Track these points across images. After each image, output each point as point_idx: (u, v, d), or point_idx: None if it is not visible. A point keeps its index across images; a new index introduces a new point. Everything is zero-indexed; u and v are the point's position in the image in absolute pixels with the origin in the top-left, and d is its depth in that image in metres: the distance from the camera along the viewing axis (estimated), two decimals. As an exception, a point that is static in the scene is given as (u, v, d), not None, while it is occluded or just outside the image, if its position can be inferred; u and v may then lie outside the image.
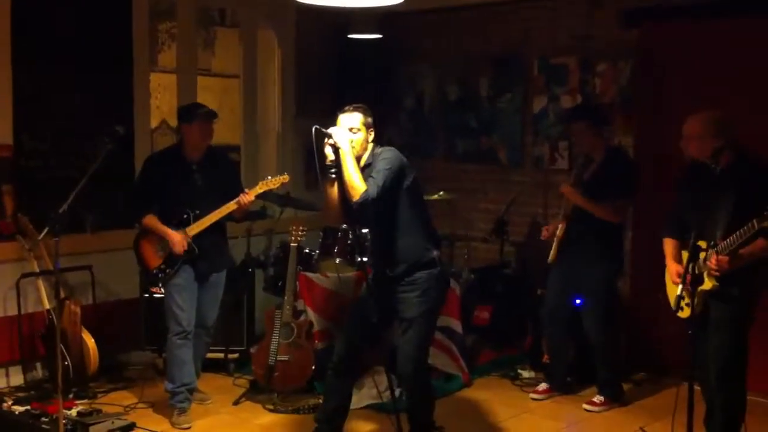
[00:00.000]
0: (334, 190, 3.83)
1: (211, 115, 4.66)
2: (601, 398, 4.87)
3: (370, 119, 3.89)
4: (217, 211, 4.57)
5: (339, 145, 3.72)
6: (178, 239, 4.52)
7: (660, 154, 5.38)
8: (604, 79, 5.78)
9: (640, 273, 5.55)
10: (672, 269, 3.97)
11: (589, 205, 4.74)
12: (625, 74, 5.65)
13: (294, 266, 4.98)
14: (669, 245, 4.05)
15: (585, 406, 4.86)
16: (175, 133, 5.87)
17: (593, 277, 4.81)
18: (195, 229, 4.57)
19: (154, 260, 4.63)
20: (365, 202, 3.71)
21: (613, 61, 5.71)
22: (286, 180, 4.69)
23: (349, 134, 3.79)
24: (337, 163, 3.74)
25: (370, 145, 3.91)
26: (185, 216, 4.58)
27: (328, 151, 3.74)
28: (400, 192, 3.85)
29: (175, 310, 4.58)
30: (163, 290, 4.69)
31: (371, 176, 3.77)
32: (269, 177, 4.68)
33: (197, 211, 4.58)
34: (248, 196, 4.56)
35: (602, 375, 4.92)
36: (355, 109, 3.89)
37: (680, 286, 3.72)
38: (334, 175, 3.78)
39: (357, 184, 3.70)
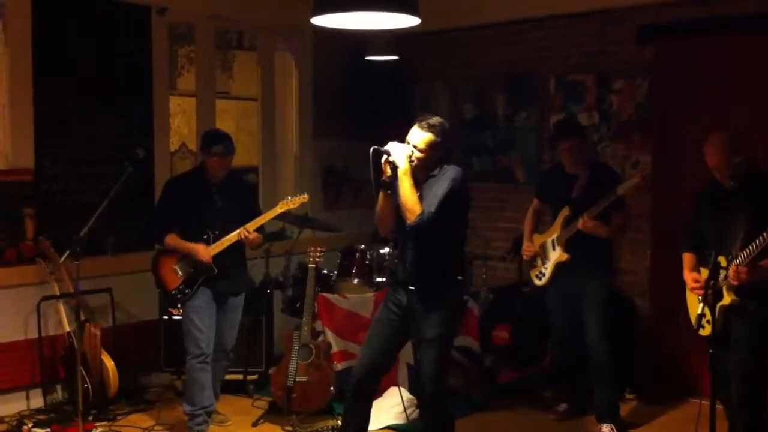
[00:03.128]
0: (389, 204, 3.85)
1: (227, 153, 4.67)
2: (611, 426, 4.72)
3: (439, 140, 3.82)
4: (235, 233, 4.58)
5: (397, 163, 3.74)
6: (202, 249, 4.55)
7: (678, 172, 5.36)
8: (622, 96, 5.78)
9: (658, 291, 5.51)
10: (689, 277, 3.97)
11: (609, 232, 4.70)
12: (643, 91, 5.65)
13: (312, 287, 4.99)
14: (687, 258, 4.05)
15: None
16: (195, 156, 5.92)
17: (593, 292, 4.74)
18: (215, 248, 4.58)
19: (173, 281, 4.65)
20: (420, 224, 3.73)
21: (630, 78, 5.70)
22: (306, 200, 4.70)
23: (407, 149, 3.79)
24: (394, 179, 3.77)
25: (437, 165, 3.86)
26: (205, 237, 4.60)
27: (387, 169, 3.76)
28: (450, 213, 3.82)
29: (194, 332, 4.58)
30: (182, 311, 4.70)
31: (431, 194, 3.76)
32: (289, 197, 4.70)
33: (217, 232, 4.60)
34: (247, 232, 4.54)
35: (603, 398, 4.77)
36: (430, 128, 3.82)
37: (701, 305, 3.70)
38: (389, 192, 3.80)
39: (413, 206, 3.73)
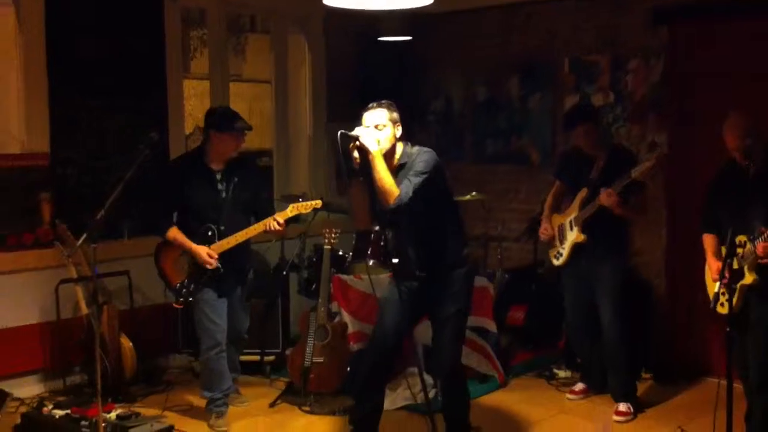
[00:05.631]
0: (362, 194, 3.77)
1: (249, 129, 4.54)
2: (627, 405, 4.72)
3: (396, 114, 3.76)
4: (243, 232, 4.46)
5: (366, 147, 3.62)
6: (206, 256, 4.40)
7: (694, 152, 5.33)
8: (636, 76, 5.74)
9: (675, 272, 5.50)
10: (713, 266, 3.95)
11: (631, 212, 4.68)
12: (657, 71, 5.61)
13: (328, 269, 5.00)
14: (709, 241, 4.03)
15: (615, 418, 4.67)
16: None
17: (608, 274, 4.73)
18: (221, 247, 4.44)
19: (177, 276, 4.53)
20: (399, 206, 3.64)
21: (645, 58, 5.67)
22: (319, 205, 4.59)
23: (375, 133, 3.68)
24: (365, 166, 3.67)
25: (400, 143, 3.81)
26: (210, 233, 4.46)
27: (356, 155, 3.64)
28: (434, 193, 3.77)
29: (207, 325, 4.53)
30: (184, 306, 4.55)
31: (408, 178, 3.69)
32: (301, 199, 4.62)
33: (222, 227, 4.46)
34: (276, 224, 4.41)
35: (619, 378, 4.78)
36: (380, 105, 3.76)
37: (718, 283, 3.69)
38: (362, 178, 3.70)
39: (390, 188, 3.62)
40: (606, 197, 4.58)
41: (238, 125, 4.49)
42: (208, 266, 4.42)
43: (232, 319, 4.67)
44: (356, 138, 3.64)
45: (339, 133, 3.61)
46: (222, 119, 4.53)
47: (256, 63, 7.35)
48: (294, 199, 4.94)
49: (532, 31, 6.29)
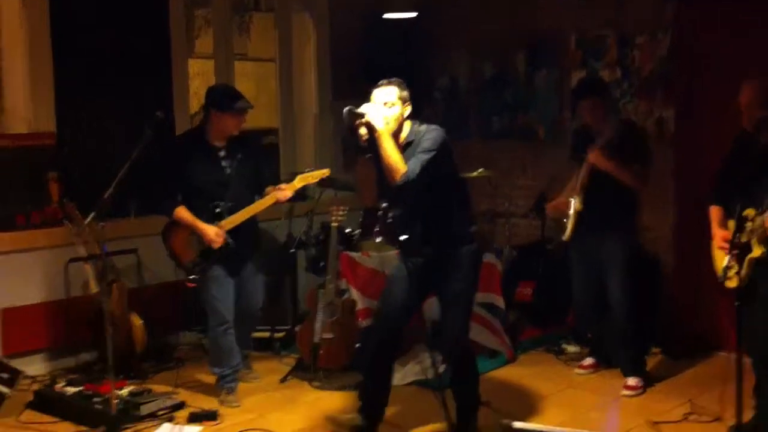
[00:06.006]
0: (369, 171, 3.75)
1: (250, 107, 4.52)
2: (637, 379, 4.73)
3: (405, 93, 3.76)
4: (252, 206, 4.46)
5: (374, 123, 3.60)
6: (214, 235, 4.39)
7: (702, 127, 5.32)
8: (643, 51, 5.71)
9: (683, 247, 5.50)
10: (717, 235, 3.95)
11: (618, 169, 4.62)
12: (665, 46, 5.58)
13: (335, 246, 5.02)
14: (715, 212, 4.02)
15: (624, 392, 4.69)
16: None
17: (614, 246, 4.72)
18: (230, 224, 4.43)
19: (187, 254, 4.51)
20: (406, 183, 3.63)
21: (652, 33, 5.63)
22: (327, 174, 4.58)
23: (384, 110, 3.67)
24: (372, 143, 3.66)
25: (408, 122, 3.81)
26: (217, 210, 4.45)
27: (363, 131, 3.62)
28: (441, 171, 3.76)
29: (214, 303, 4.53)
30: (197, 284, 4.54)
31: (415, 155, 3.68)
32: (308, 170, 4.62)
33: (229, 204, 4.45)
34: (286, 192, 4.44)
35: (628, 354, 4.79)
36: (390, 83, 3.75)
37: (727, 256, 3.69)
38: (369, 155, 3.68)
39: (396, 165, 3.61)
40: (592, 155, 4.59)
41: (238, 105, 4.46)
42: (215, 246, 4.42)
43: (243, 295, 4.68)
44: (363, 115, 3.62)
45: (346, 109, 3.59)
46: (222, 98, 4.50)
47: (260, 42, 7.31)
48: (298, 174, 4.93)
49: (538, 7, 6.25)
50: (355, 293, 5.07)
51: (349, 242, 5.28)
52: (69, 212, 5.08)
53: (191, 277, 4.54)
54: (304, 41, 6.69)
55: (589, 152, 4.66)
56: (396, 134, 3.73)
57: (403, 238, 3.86)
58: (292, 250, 5.60)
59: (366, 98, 3.76)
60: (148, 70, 5.63)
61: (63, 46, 5.20)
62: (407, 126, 3.81)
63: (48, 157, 5.18)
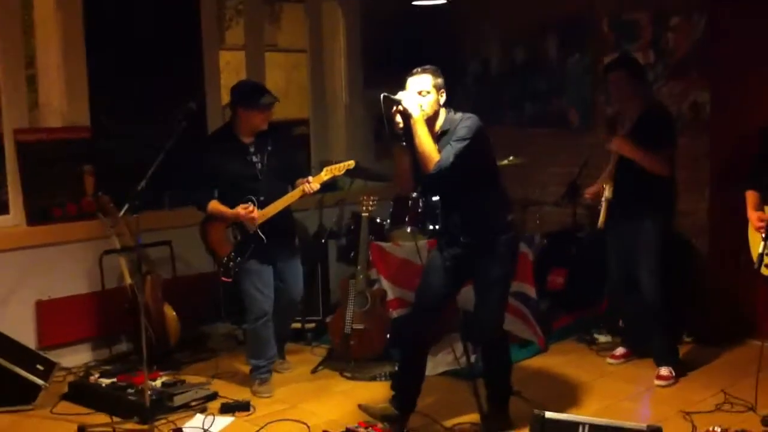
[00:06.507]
0: (405, 159, 3.75)
1: (276, 102, 4.52)
2: (669, 369, 4.67)
3: (440, 80, 3.74)
4: (282, 200, 4.49)
5: (409, 111, 3.61)
6: (244, 214, 4.41)
7: (737, 110, 5.21)
8: (678, 33, 5.60)
9: (718, 232, 5.41)
10: (754, 216, 3.89)
11: (642, 156, 4.55)
12: (700, 28, 5.47)
13: (366, 236, 5.02)
14: (751, 196, 3.97)
15: (657, 382, 4.64)
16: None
17: (645, 231, 4.65)
18: (262, 217, 4.47)
19: (224, 247, 4.56)
20: (439, 171, 3.63)
21: (687, 14, 5.52)
22: (352, 166, 4.58)
23: (418, 98, 3.66)
24: (407, 131, 3.67)
25: (443, 110, 3.79)
26: (251, 205, 4.48)
27: (399, 119, 3.63)
28: (477, 159, 3.74)
29: (254, 294, 4.56)
30: (233, 279, 4.57)
31: (450, 143, 3.67)
32: (334, 162, 4.62)
33: (261, 198, 4.48)
34: (313, 185, 4.46)
35: (661, 343, 4.73)
36: (425, 71, 3.74)
37: (762, 243, 3.63)
38: (404, 143, 3.69)
39: (430, 154, 3.61)
40: (616, 141, 4.55)
41: (263, 100, 4.48)
42: (250, 223, 4.44)
43: (283, 285, 4.71)
44: (399, 102, 3.63)
45: (382, 95, 3.60)
46: (248, 95, 4.53)
47: (291, 32, 7.33)
48: (330, 164, 4.94)
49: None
50: (385, 283, 5.07)
51: (379, 232, 5.28)
52: (103, 205, 5.12)
53: (228, 271, 4.54)
54: (335, 31, 6.68)
55: (613, 139, 4.60)
56: (431, 122, 3.72)
57: (435, 227, 3.84)
58: (323, 241, 5.62)
59: (396, 86, 3.75)
60: (179, 62, 5.68)
61: (96, 41, 5.26)
62: (442, 114, 3.80)
63: (83, 150, 5.25)
